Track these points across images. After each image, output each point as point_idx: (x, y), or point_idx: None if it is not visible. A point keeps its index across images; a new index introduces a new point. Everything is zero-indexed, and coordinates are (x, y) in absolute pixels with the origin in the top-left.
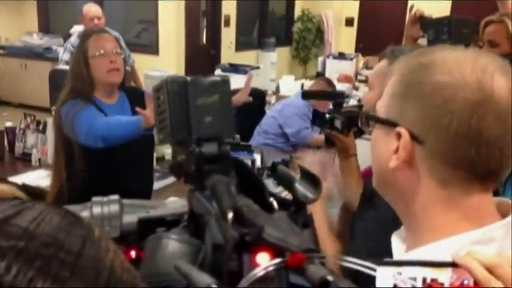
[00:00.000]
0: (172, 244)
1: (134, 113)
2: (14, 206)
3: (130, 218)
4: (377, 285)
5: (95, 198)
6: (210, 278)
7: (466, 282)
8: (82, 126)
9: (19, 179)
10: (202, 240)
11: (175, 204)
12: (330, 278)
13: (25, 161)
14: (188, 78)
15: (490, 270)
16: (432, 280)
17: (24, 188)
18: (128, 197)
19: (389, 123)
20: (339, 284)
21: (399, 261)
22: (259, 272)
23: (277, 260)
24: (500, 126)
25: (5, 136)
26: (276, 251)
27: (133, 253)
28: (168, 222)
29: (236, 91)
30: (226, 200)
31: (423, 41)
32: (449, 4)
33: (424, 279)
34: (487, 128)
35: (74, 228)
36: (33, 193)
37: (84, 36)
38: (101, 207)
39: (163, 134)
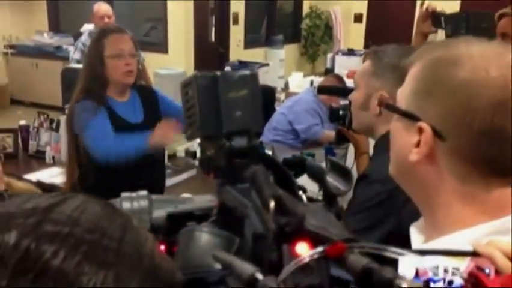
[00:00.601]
0: (205, 236)
1: (146, 110)
2: (55, 196)
3: (159, 213)
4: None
5: (124, 194)
6: (253, 267)
7: (487, 271)
8: (90, 139)
9: (34, 176)
10: (233, 234)
11: (202, 199)
12: (373, 266)
13: (39, 159)
14: (218, 73)
15: (511, 258)
16: (454, 270)
17: (39, 185)
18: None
19: (412, 117)
20: (384, 273)
21: (422, 250)
22: (301, 261)
23: (317, 249)
24: None
25: (19, 134)
26: (315, 241)
27: (162, 247)
28: (196, 217)
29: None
30: (267, 189)
31: (433, 37)
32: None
33: (446, 269)
34: (510, 126)
35: (115, 217)
36: (48, 190)
37: (101, 34)
38: (131, 203)
39: (191, 130)
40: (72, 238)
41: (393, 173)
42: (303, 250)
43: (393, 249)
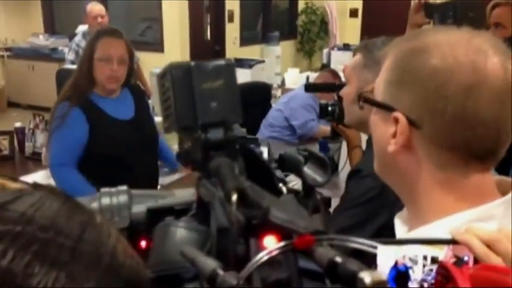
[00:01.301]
0: (180, 232)
1: (137, 107)
2: (12, 193)
3: (139, 208)
4: (377, 263)
5: (103, 189)
6: (215, 263)
7: (465, 258)
8: (52, 152)
9: (30, 178)
10: (209, 228)
11: (183, 193)
12: (338, 259)
13: (35, 161)
14: (192, 63)
15: (489, 245)
16: (433, 258)
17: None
18: (132, 188)
19: (387, 108)
20: (348, 265)
21: (400, 239)
22: (265, 255)
23: (284, 243)
24: (496, 105)
25: (15, 136)
26: (283, 234)
27: (143, 243)
28: (177, 211)
29: (244, 85)
30: (230, 181)
31: (427, 28)
32: None
33: (425, 257)
34: (483, 109)
35: (75, 214)
36: None
37: (96, 35)
38: (110, 198)
39: (168, 122)
40: (23, 237)
41: (376, 168)
42: (271, 243)
43: (363, 240)
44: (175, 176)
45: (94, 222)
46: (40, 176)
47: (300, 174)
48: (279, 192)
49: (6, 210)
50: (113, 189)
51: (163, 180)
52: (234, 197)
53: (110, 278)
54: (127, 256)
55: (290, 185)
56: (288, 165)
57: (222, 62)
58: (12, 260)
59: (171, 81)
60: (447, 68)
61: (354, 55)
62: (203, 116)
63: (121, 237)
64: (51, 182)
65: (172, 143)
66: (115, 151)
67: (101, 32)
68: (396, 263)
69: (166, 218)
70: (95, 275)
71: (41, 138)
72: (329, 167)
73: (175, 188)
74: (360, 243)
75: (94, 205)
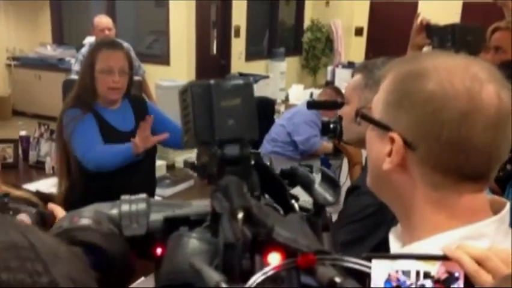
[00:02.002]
0: (192, 242)
1: (137, 119)
2: None
3: (157, 216)
4: (371, 278)
5: (123, 197)
6: (219, 276)
7: (456, 274)
8: (77, 147)
9: (33, 186)
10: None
11: (200, 204)
12: (337, 279)
13: (39, 169)
14: (212, 82)
15: (479, 263)
16: (425, 273)
17: (38, 195)
18: None
19: (383, 127)
20: (345, 285)
21: (394, 254)
22: (268, 271)
23: (287, 261)
24: (489, 132)
25: (20, 145)
26: (287, 251)
27: (158, 250)
28: (192, 222)
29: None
30: (236, 200)
31: (427, 49)
32: (459, 9)
33: (418, 273)
34: (477, 135)
35: (8, 227)
36: (47, 200)
37: (95, 47)
38: (130, 205)
39: (187, 136)
40: None
41: (370, 183)
42: (275, 260)
43: (363, 262)
44: (178, 188)
45: (26, 228)
46: (43, 185)
47: (311, 192)
48: (291, 208)
49: None
50: (132, 197)
51: (167, 191)
52: (240, 215)
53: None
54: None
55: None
56: (300, 181)
57: (240, 81)
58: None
59: (191, 97)
60: (444, 93)
61: (353, 75)
62: (220, 133)
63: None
64: (54, 190)
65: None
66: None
67: (100, 44)
68: (389, 277)
69: (180, 228)
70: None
71: (45, 147)
72: (340, 188)
73: (178, 199)
74: (360, 264)
75: (114, 212)
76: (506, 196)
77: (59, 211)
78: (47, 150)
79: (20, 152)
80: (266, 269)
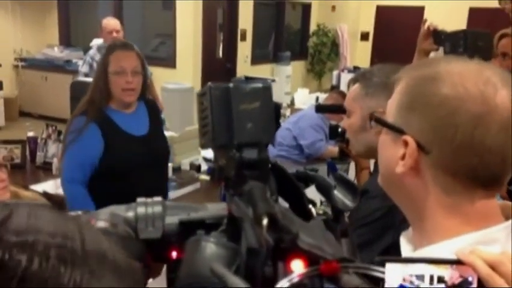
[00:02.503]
0: (210, 247)
1: (151, 123)
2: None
3: (172, 220)
4: (385, 282)
5: (139, 199)
6: (243, 283)
7: (470, 279)
8: (65, 168)
9: (40, 187)
10: (239, 244)
11: (215, 207)
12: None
13: (46, 170)
14: (231, 85)
15: (493, 267)
16: (439, 278)
17: (45, 195)
18: None
19: (397, 130)
20: None
21: (407, 258)
22: (293, 278)
23: (311, 268)
24: (502, 135)
25: (27, 146)
26: (310, 258)
27: (174, 253)
28: (208, 225)
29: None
30: (261, 205)
31: (434, 54)
32: (465, 14)
33: (431, 277)
34: (490, 138)
35: (66, 219)
36: (53, 201)
37: (108, 50)
38: (146, 208)
39: (205, 139)
40: (39, 245)
41: (381, 183)
42: (298, 267)
43: (382, 269)
44: (184, 191)
45: (82, 224)
46: (50, 186)
47: (329, 197)
48: (308, 213)
49: (9, 224)
50: (148, 200)
51: (173, 194)
52: (265, 221)
53: (117, 274)
54: (123, 254)
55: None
56: (317, 186)
57: (259, 84)
58: (39, 266)
59: (210, 100)
60: (457, 96)
61: (349, 87)
62: (239, 136)
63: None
64: (60, 191)
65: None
66: (127, 167)
67: (112, 46)
68: (403, 281)
69: (197, 232)
70: (106, 271)
71: (52, 148)
72: (358, 192)
73: (184, 202)
74: (380, 271)
75: (130, 214)
76: None
77: None
78: (54, 151)
79: (28, 152)
80: (291, 276)
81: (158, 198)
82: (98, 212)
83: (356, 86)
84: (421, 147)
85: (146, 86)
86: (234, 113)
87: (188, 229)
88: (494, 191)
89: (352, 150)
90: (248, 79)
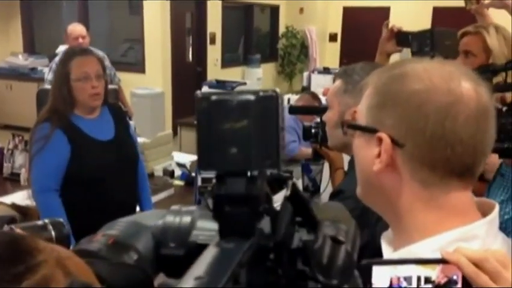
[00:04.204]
0: None
1: (117, 127)
2: None
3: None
4: (373, 285)
5: (173, 207)
6: None
7: (454, 277)
8: (34, 178)
9: (8, 199)
10: None
11: None
12: None
13: (14, 181)
14: (214, 97)
15: (477, 265)
16: (426, 278)
17: (14, 207)
18: (111, 210)
19: (370, 130)
20: None
21: (393, 260)
22: None
23: None
24: (472, 125)
25: None
26: None
27: None
28: None
29: None
30: None
31: (395, 57)
32: (430, 14)
33: (419, 278)
34: (460, 128)
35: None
36: (23, 212)
37: (66, 56)
38: (174, 217)
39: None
40: None
41: (360, 193)
42: None
43: None
44: (159, 197)
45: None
46: (19, 197)
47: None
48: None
49: None
50: (183, 208)
51: (157, 197)
52: None
53: None
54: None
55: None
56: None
57: (250, 96)
58: None
59: (197, 114)
60: (425, 89)
61: (334, 81)
62: (219, 163)
63: None
64: (30, 202)
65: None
66: (95, 172)
67: (70, 52)
68: (391, 284)
69: None
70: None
71: (20, 158)
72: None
73: (159, 208)
74: None
75: (159, 223)
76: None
77: None
78: (21, 162)
79: None
80: None
81: (193, 207)
82: (119, 221)
83: (337, 82)
84: (395, 142)
85: (107, 90)
86: (215, 134)
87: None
88: (469, 182)
89: (329, 142)
90: (219, 82)
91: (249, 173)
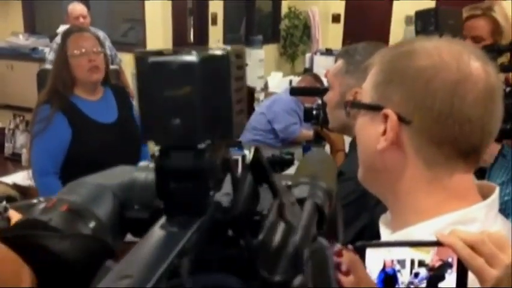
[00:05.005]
0: None
1: (120, 109)
2: None
3: None
4: (366, 266)
5: (142, 163)
6: None
7: (449, 259)
8: (34, 161)
9: (9, 179)
10: None
11: None
12: None
13: (15, 161)
14: (152, 58)
15: (472, 247)
16: (420, 262)
17: (15, 187)
18: None
19: (375, 108)
20: None
21: (386, 242)
22: None
23: None
24: (479, 104)
25: None
26: None
27: None
28: None
29: None
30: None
31: (399, 38)
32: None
33: (412, 261)
34: (468, 107)
35: None
36: (24, 192)
37: (64, 35)
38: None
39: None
40: None
41: (361, 176)
42: None
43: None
44: None
45: None
46: (20, 177)
47: None
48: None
49: None
50: (151, 165)
51: None
52: None
53: None
54: None
55: None
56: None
57: (193, 58)
58: None
59: (136, 77)
60: (433, 65)
61: (335, 61)
62: (162, 136)
63: None
64: (31, 183)
65: None
66: (98, 155)
67: (68, 31)
68: (384, 266)
69: None
70: None
71: (21, 138)
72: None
73: None
74: None
75: (125, 180)
76: (491, 181)
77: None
78: (23, 142)
79: None
80: None
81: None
82: (82, 182)
83: (339, 62)
84: (402, 118)
85: (109, 69)
86: (155, 103)
87: None
88: (473, 164)
89: (330, 123)
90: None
91: (199, 146)
